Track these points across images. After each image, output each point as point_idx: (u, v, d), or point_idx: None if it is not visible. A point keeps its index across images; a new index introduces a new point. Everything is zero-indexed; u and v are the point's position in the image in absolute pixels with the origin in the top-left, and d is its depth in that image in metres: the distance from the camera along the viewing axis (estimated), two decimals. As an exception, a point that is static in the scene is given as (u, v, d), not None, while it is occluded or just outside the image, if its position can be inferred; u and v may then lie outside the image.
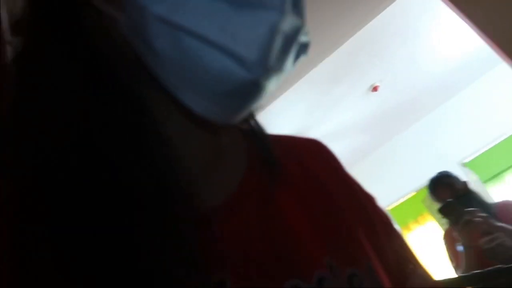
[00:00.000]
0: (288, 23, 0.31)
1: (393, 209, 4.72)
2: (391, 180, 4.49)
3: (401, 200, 4.63)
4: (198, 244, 0.30)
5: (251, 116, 0.44)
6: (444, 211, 1.81)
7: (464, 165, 4.37)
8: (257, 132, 0.44)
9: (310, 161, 0.47)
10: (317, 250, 0.38)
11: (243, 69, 0.30)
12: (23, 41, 0.33)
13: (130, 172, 0.30)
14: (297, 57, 0.35)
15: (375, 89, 3.77)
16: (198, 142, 0.38)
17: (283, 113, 3.52)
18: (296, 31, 0.33)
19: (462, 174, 3.57)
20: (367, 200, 0.49)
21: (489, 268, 1.14)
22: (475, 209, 1.77)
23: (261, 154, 0.43)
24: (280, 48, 0.31)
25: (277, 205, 0.40)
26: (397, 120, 4.58)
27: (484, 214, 1.74)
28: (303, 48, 0.35)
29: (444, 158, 4.24)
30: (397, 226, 0.50)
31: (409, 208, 4.43)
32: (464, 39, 3.20)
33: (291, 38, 0.32)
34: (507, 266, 1.10)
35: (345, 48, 3.00)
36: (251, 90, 0.32)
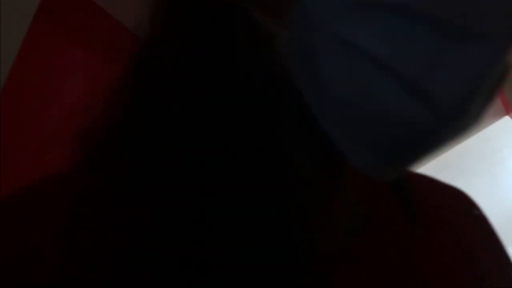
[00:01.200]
0: (504, 61, 0.24)
1: None
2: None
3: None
4: None
5: None
6: None
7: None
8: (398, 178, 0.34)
9: (451, 215, 0.38)
10: None
11: (430, 114, 0.23)
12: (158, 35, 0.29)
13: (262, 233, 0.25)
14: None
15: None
16: (334, 201, 0.32)
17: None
18: (504, 73, 0.25)
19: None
20: None
21: None
22: None
23: (396, 200, 0.34)
24: (483, 93, 0.24)
25: (413, 262, 0.33)
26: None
27: None
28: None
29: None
30: None
31: None
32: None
33: (498, 81, 0.25)
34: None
35: (430, 167, 3.07)
36: (430, 142, 0.25)
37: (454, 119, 0.24)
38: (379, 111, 0.24)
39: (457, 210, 0.39)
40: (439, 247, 0.35)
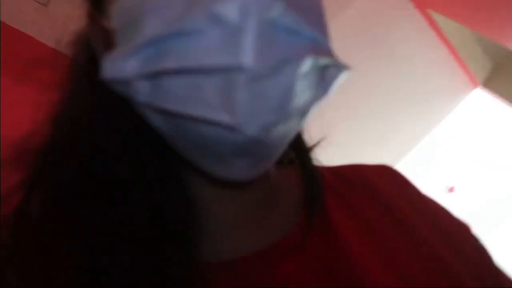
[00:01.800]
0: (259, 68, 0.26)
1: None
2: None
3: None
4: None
5: (302, 152, 0.43)
6: None
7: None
8: (306, 169, 0.42)
9: (379, 184, 0.44)
10: None
11: (234, 133, 0.28)
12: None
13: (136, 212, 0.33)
14: (328, 81, 0.31)
15: (451, 190, 3.78)
16: (225, 199, 0.38)
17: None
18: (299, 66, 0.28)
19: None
20: (458, 231, 0.43)
21: None
22: None
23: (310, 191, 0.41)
24: (270, 95, 0.28)
25: (341, 243, 0.38)
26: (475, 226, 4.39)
27: None
28: (332, 69, 0.30)
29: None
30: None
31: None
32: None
33: (289, 77, 0.28)
34: None
35: (421, 147, 3.11)
36: (254, 147, 0.30)
37: (254, 128, 0.28)
38: (205, 140, 0.30)
39: (383, 179, 0.45)
40: (368, 221, 0.41)
